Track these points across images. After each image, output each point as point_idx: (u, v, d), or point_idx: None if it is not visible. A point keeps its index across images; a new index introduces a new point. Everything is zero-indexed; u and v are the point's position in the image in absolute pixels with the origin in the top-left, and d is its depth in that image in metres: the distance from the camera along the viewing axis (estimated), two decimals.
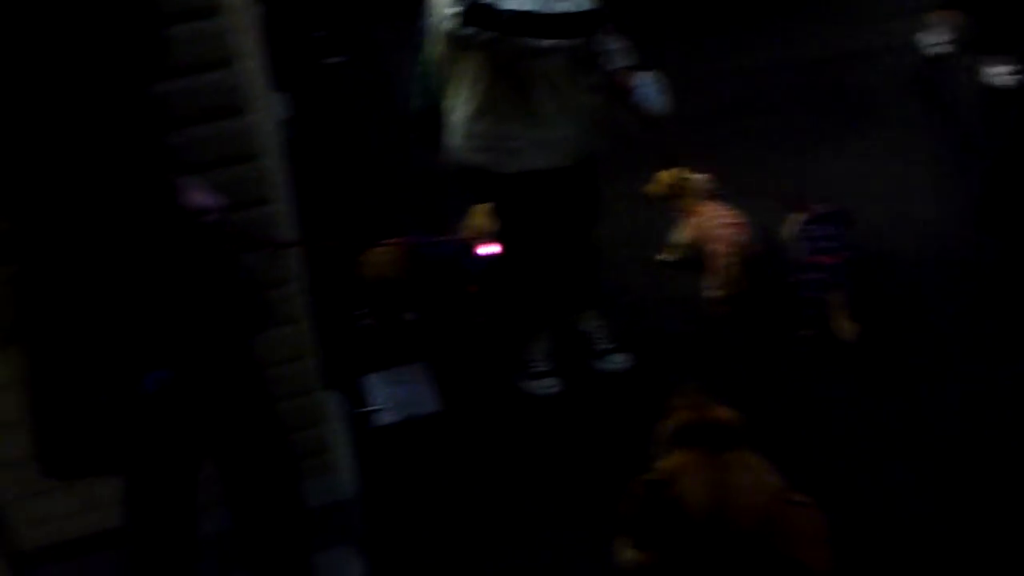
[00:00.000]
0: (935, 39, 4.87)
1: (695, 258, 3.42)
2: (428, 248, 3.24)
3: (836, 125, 4.83)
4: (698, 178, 3.42)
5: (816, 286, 3.01)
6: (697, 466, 1.55)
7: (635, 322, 3.24)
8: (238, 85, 1.82)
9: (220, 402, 1.63)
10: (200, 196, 1.56)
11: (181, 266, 1.44)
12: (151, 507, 1.81)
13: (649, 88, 2.51)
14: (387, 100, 5.75)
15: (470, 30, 2.32)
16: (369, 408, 2.88)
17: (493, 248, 2.96)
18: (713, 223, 3.31)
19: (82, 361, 1.38)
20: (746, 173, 4.23)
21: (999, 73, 4.20)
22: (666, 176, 3.46)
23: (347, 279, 3.26)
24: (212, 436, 1.70)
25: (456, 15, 2.32)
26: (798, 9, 7.00)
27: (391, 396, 2.93)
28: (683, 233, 3.48)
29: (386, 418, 2.85)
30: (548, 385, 2.92)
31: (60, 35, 1.20)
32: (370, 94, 6.08)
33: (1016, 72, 3.77)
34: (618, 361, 3.01)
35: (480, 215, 3.09)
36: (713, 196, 3.43)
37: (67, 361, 1.38)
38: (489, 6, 2.27)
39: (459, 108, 2.55)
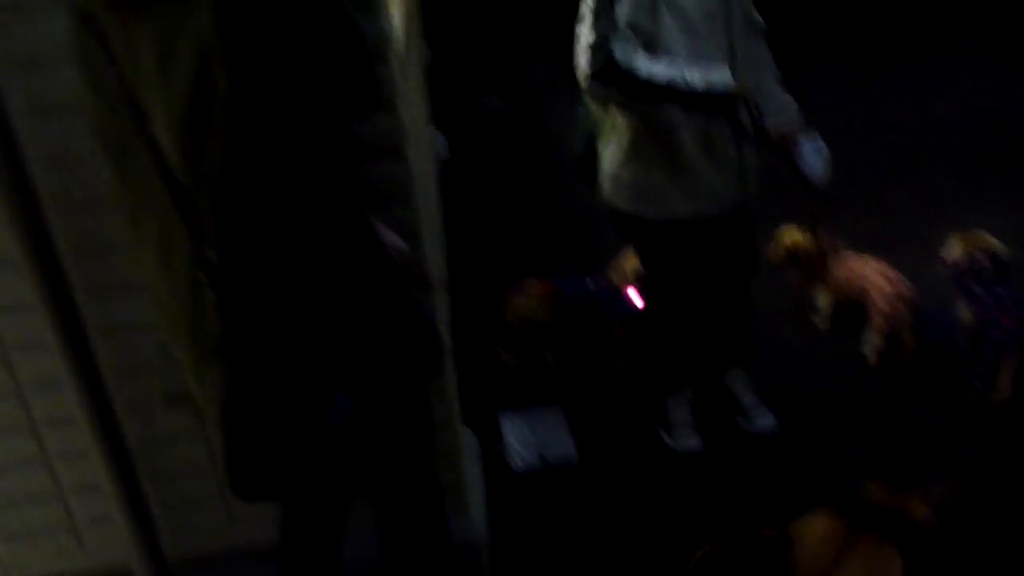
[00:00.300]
0: None
1: (849, 317, 3.27)
2: (573, 290, 3.23)
3: (1013, 181, 4.53)
4: (817, 238, 3.26)
5: (994, 347, 2.81)
6: (827, 536, 1.46)
7: (785, 380, 3.11)
8: (398, 129, 1.87)
9: (394, 437, 1.66)
10: (389, 236, 1.61)
11: (374, 301, 1.49)
12: (307, 531, 1.87)
13: (810, 153, 2.42)
14: (543, 143, 5.85)
15: (602, 89, 2.31)
16: (503, 449, 2.88)
17: (639, 295, 2.93)
18: (867, 277, 3.17)
19: (273, 386, 1.43)
20: (906, 226, 4.04)
21: None
22: (786, 238, 3.35)
23: (491, 318, 3.30)
24: (379, 468, 1.74)
25: (589, 74, 2.30)
26: (985, 56, 6.61)
27: (526, 439, 2.91)
28: (825, 297, 3.33)
29: (520, 461, 2.83)
30: (689, 441, 2.83)
31: (283, 68, 1.26)
32: (526, 137, 6.19)
33: None
34: (764, 421, 2.88)
35: (631, 260, 3.07)
36: (842, 251, 3.31)
37: (260, 385, 1.44)
38: (623, 69, 2.24)
39: (608, 152, 2.54)
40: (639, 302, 3.00)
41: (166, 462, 2.13)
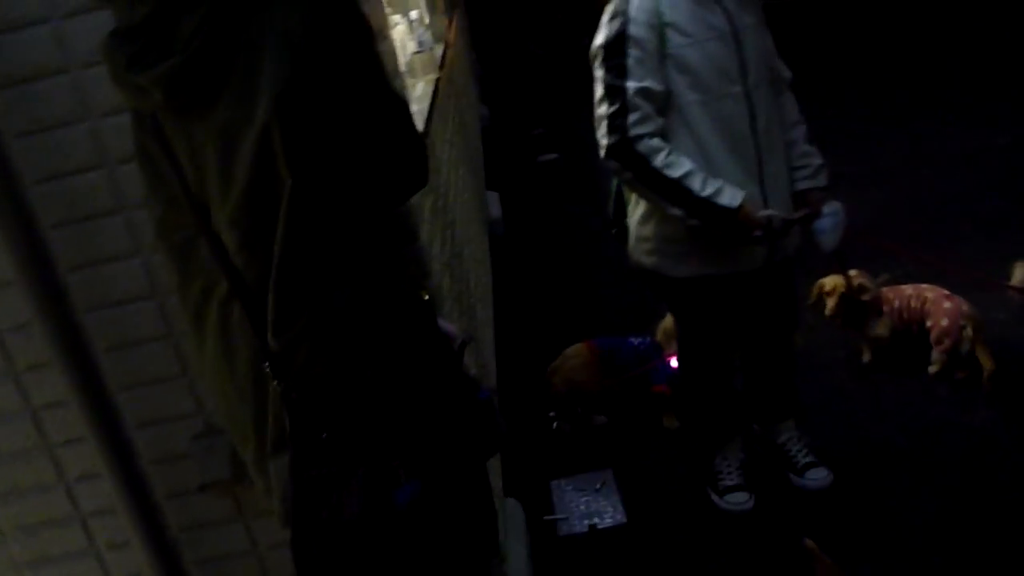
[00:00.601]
0: None
1: (902, 350, 3.22)
2: (618, 351, 3.21)
3: None
4: (850, 279, 3.17)
5: None
6: None
7: (840, 433, 3.00)
8: (411, 210, 1.90)
9: (455, 519, 1.65)
10: (444, 323, 1.62)
11: (436, 384, 1.49)
12: None
13: (827, 222, 2.39)
14: (596, 196, 5.87)
15: (612, 164, 2.33)
16: (553, 517, 2.84)
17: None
18: (925, 297, 3.16)
19: (343, 471, 1.43)
20: (970, 256, 3.92)
21: None
22: (828, 285, 3.25)
23: (540, 384, 3.29)
24: (438, 553, 1.72)
25: (605, 148, 2.33)
26: (1000, 93, 6.47)
27: (576, 504, 2.87)
28: (881, 327, 3.25)
29: (568, 528, 2.79)
30: (739, 501, 2.74)
31: (343, 152, 1.29)
32: (579, 189, 6.22)
33: None
34: (819, 477, 2.76)
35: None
36: (887, 284, 3.29)
37: (328, 472, 1.43)
38: (636, 151, 2.26)
39: (632, 210, 2.54)
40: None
41: (208, 549, 2.16)
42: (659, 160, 2.25)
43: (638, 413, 3.26)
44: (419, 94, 3.34)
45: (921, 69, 7.54)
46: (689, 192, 2.25)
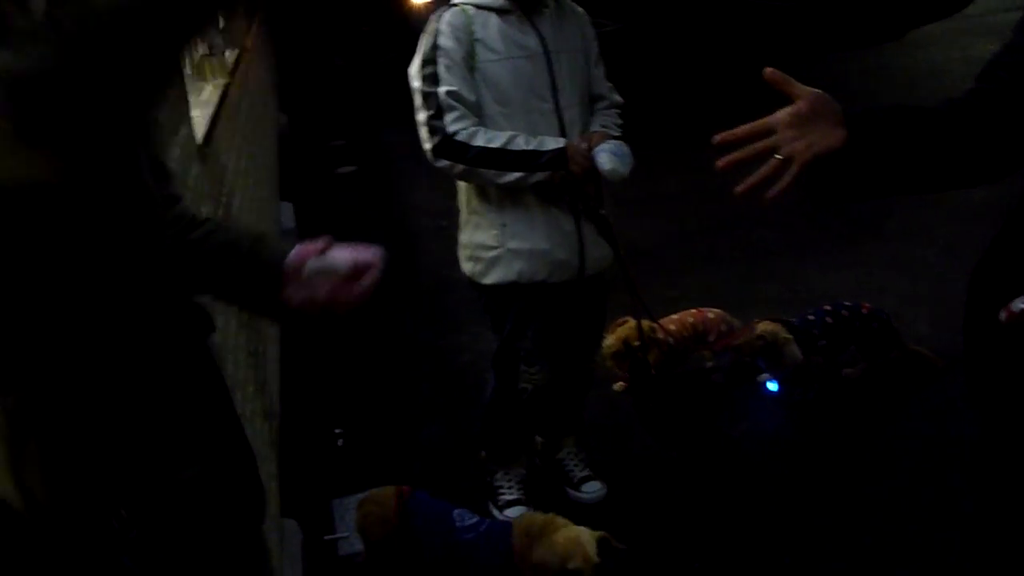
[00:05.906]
0: None
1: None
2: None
3: (834, 237, 4.80)
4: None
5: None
6: None
7: (614, 446, 3.14)
8: None
9: None
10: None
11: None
12: None
13: (609, 145, 2.36)
14: (393, 208, 5.86)
15: (443, 163, 2.36)
16: (333, 536, 2.78)
17: None
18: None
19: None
20: (743, 285, 4.23)
21: None
22: (623, 333, 3.20)
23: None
24: None
25: (430, 151, 2.37)
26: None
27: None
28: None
29: (349, 547, 2.73)
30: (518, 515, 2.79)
31: None
32: (377, 202, 6.18)
33: None
34: (593, 490, 2.88)
35: None
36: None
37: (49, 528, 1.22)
38: (459, 141, 2.32)
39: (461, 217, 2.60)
40: None
41: None
42: (480, 139, 2.32)
43: None
44: (204, 98, 3.21)
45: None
46: (518, 152, 2.32)
